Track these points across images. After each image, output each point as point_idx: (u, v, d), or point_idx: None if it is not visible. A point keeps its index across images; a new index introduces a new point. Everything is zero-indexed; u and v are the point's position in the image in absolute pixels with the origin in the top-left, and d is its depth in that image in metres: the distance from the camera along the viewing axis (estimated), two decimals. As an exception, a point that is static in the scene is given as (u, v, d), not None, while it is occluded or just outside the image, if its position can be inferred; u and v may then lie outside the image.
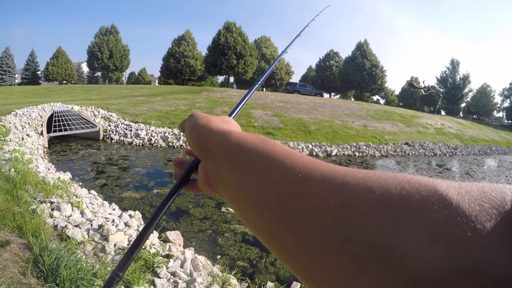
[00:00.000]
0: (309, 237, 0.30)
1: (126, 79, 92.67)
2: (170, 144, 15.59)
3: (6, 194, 5.25)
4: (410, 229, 0.24)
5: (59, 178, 7.54)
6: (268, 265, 5.37)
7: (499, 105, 79.09)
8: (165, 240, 5.28)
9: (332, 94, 72.91)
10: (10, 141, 10.64)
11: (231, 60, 53.08)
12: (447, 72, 72.91)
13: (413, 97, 77.32)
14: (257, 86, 0.92)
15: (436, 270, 0.22)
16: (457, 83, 71.24)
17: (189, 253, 4.87)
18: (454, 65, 72.39)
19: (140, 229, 5.29)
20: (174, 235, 5.48)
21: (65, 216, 5.08)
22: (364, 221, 0.27)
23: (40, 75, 72.59)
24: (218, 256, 5.48)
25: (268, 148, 0.40)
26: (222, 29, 54.79)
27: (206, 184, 0.51)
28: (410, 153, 19.98)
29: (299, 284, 4.61)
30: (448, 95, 71.57)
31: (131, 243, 0.53)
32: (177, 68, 59.52)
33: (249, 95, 0.85)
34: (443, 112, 72.79)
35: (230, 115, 0.71)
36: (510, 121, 74.96)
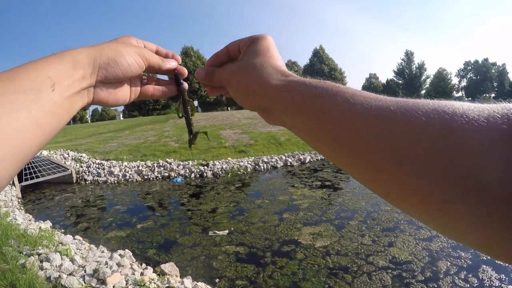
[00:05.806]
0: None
1: (90, 117, 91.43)
2: (146, 177, 15.41)
3: (-9, 253, 5.13)
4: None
5: (40, 228, 7.38)
6: (266, 278, 5.44)
7: (457, 86, 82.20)
8: (162, 273, 5.27)
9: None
10: (-19, 198, 10.34)
11: (193, 84, 53.25)
12: (403, 63, 75.55)
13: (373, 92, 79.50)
14: None
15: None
16: (414, 72, 73.78)
17: (188, 282, 4.89)
18: (409, 55, 75.11)
19: (134, 267, 5.27)
20: (169, 267, 5.47)
21: (56, 266, 5.00)
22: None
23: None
24: (217, 280, 5.51)
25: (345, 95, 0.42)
26: (180, 55, 54.63)
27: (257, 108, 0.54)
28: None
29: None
30: (407, 85, 73.88)
31: None
32: (139, 99, 58.94)
33: None
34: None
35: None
36: (469, 98, 77.67)
